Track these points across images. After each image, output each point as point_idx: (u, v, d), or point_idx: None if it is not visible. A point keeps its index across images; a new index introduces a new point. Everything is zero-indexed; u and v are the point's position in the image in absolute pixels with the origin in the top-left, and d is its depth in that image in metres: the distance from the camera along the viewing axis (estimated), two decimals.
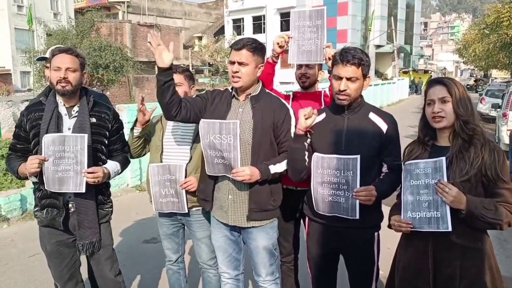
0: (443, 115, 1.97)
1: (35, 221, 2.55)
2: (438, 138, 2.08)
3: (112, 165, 2.55)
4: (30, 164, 2.30)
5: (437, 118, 1.99)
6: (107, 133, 2.55)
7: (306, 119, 2.24)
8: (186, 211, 2.69)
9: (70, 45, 16.84)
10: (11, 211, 5.66)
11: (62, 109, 2.47)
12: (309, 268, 2.52)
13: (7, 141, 6.66)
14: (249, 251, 2.55)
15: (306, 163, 2.30)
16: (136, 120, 2.72)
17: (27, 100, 13.81)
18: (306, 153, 2.30)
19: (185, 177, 2.64)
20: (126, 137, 2.78)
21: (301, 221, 2.97)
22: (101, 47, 19.75)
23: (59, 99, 2.46)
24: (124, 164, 2.69)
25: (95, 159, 2.45)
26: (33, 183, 2.58)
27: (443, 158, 1.90)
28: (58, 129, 2.41)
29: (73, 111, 2.47)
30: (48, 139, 2.32)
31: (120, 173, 2.66)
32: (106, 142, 2.56)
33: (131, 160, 2.80)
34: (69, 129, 2.43)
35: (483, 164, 1.90)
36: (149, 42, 2.29)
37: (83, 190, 2.34)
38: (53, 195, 2.43)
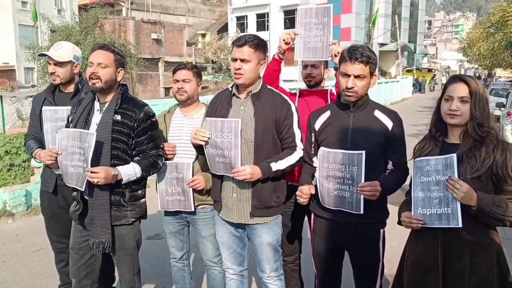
0: (459, 114, 1.97)
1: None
2: (449, 135, 2.07)
3: (127, 168, 2.41)
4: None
5: (452, 115, 1.99)
6: (132, 132, 2.44)
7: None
8: (193, 210, 2.69)
9: (73, 41, 16.87)
10: (16, 206, 5.69)
11: (96, 104, 2.48)
12: (314, 265, 2.52)
13: (11, 136, 6.67)
14: (254, 247, 2.56)
15: None
16: None
17: (30, 96, 13.81)
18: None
19: (192, 175, 2.65)
20: None
21: (305, 219, 2.98)
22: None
23: (97, 95, 2.48)
24: (148, 169, 2.48)
25: (113, 158, 2.40)
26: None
27: (454, 155, 1.91)
28: (87, 123, 2.43)
29: (104, 107, 2.46)
30: (62, 134, 2.37)
31: (142, 177, 2.50)
32: (131, 141, 2.46)
33: (161, 165, 2.59)
34: (96, 124, 2.42)
35: (494, 163, 1.90)
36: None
37: (82, 188, 2.34)
38: (75, 188, 2.45)
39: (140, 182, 2.54)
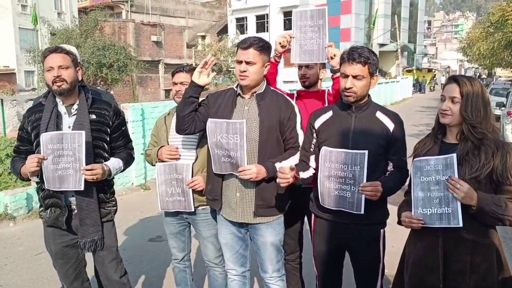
0: (450, 113, 1.99)
1: (41, 219, 2.56)
2: (447, 134, 2.09)
3: (113, 162, 2.51)
4: (30, 163, 2.28)
5: (443, 115, 2.02)
6: (108, 129, 2.52)
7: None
8: (193, 210, 2.70)
9: (74, 44, 16.89)
10: (17, 209, 5.69)
11: (62, 108, 2.46)
12: (315, 265, 2.53)
13: (11, 140, 6.70)
14: (256, 247, 2.56)
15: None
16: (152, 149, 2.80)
17: (31, 100, 13.86)
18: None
19: (192, 176, 2.65)
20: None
21: (305, 219, 2.99)
22: (105, 46, 19.80)
23: (58, 99, 2.45)
24: (128, 161, 2.64)
25: (96, 156, 2.44)
26: (36, 183, 2.56)
27: (454, 155, 1.92)
28: (58, 128, 2.40)
29: (73, 109, 2.45)
30: (46, 138, 2.31)
31: (124, 170, 2.62)
32: (108, 138, 2.53)
33: (135, 157, 2.77)
34: (69, 127, 2.42)
35: (494, 169, 1.91)
36: (205, 62, 2.42)
37: (82, 188, 2.32)
38: (55, 194, 2.42)
39: (113, 179, 2.62)
